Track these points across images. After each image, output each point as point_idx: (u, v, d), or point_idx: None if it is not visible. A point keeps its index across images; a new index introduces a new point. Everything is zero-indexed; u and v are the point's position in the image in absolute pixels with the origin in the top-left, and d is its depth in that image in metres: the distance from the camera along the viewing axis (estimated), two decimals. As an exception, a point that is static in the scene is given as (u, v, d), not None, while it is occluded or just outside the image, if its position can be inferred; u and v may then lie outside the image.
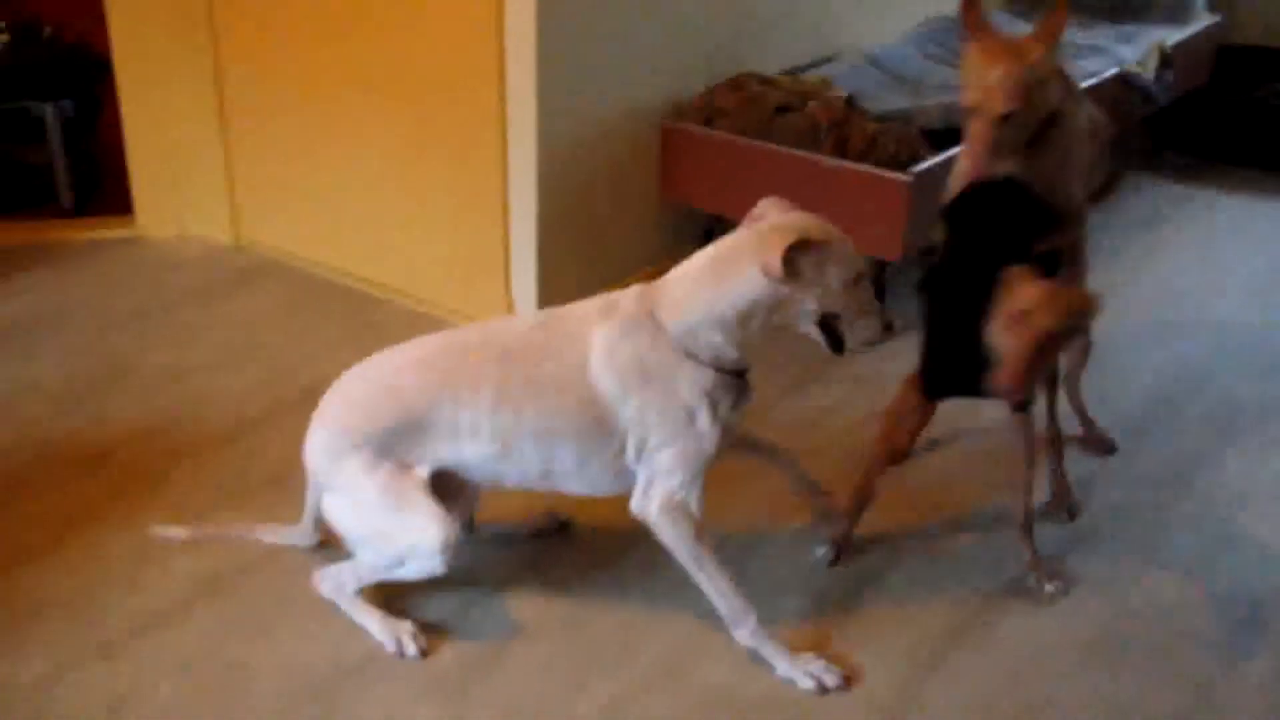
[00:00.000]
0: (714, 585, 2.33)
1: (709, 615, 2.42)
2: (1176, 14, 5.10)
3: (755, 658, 2.35)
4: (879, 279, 3.48)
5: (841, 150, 3.39)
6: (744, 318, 2.21)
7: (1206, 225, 4.59)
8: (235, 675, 2.29)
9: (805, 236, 2.15)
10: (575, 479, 2.37)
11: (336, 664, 2.33)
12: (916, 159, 3.36)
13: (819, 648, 2.39)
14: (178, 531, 2.65)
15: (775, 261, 2.12)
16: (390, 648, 2.37)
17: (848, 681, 2.31)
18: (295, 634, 2.40)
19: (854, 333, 2.27)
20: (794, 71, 4.01)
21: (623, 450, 2.30)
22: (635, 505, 2.33)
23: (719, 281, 2.21)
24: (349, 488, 2.35)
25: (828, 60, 4.19)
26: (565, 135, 3.31)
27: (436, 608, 2.47)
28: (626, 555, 2.65)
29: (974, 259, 2.43)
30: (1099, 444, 3.08)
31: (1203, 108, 5.20)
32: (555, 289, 3.40)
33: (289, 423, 3.07)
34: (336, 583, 2.44)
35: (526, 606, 2.50)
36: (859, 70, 4.12)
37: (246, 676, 2.29)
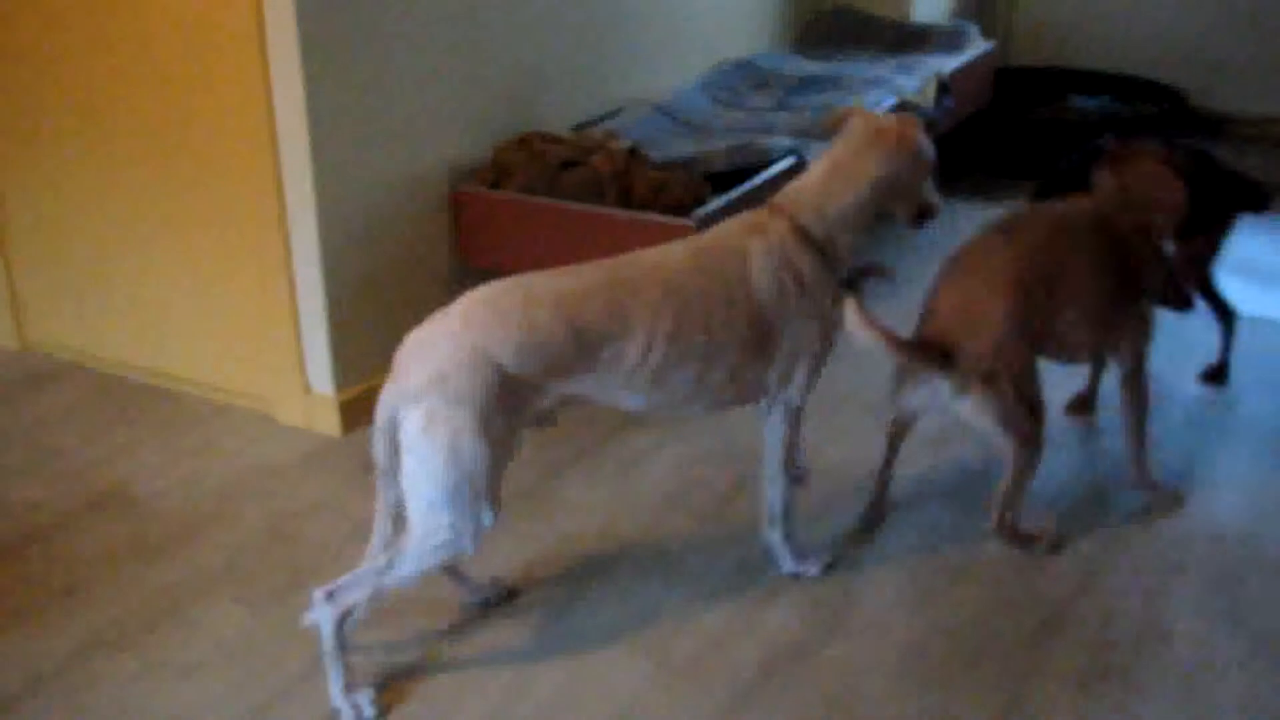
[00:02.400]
0: (784, 487, 2.66)
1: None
2: (953, 43, 5.30)
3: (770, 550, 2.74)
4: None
5: (627, 200, 3.41)
6: (869, 206, 2.50)
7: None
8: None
9: (909, 126, 2.51)
10: (709, 397, 2.47)
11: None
12: (701, 203, 3.40)
13: (644, 684, 2.38)
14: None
15: (911, 133, 2.50)
16: (343, 713, 2.32)
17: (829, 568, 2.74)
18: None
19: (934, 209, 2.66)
20: (583, 125, 4.04)
21: (770, 361, 2.47)
22: (765, 407, 2.57)
23: (848, 175, 2.48)
24: (466, 414, 2.16)
25: (616, 112, 4.23)
26: (348, 208, 3.27)
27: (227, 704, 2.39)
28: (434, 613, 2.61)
29: None
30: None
31: (986, 128, 5.39)
32: (352, 366, 3.35)
33: (82, 528, 2.97)
34: (347, 600, 2.27)
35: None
36: (647, 119, 4.17)
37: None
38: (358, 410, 3.33)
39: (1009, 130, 5.40)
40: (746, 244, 2.44)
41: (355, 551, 2.51)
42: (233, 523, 2.98)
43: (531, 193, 3.47)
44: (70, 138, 3.55)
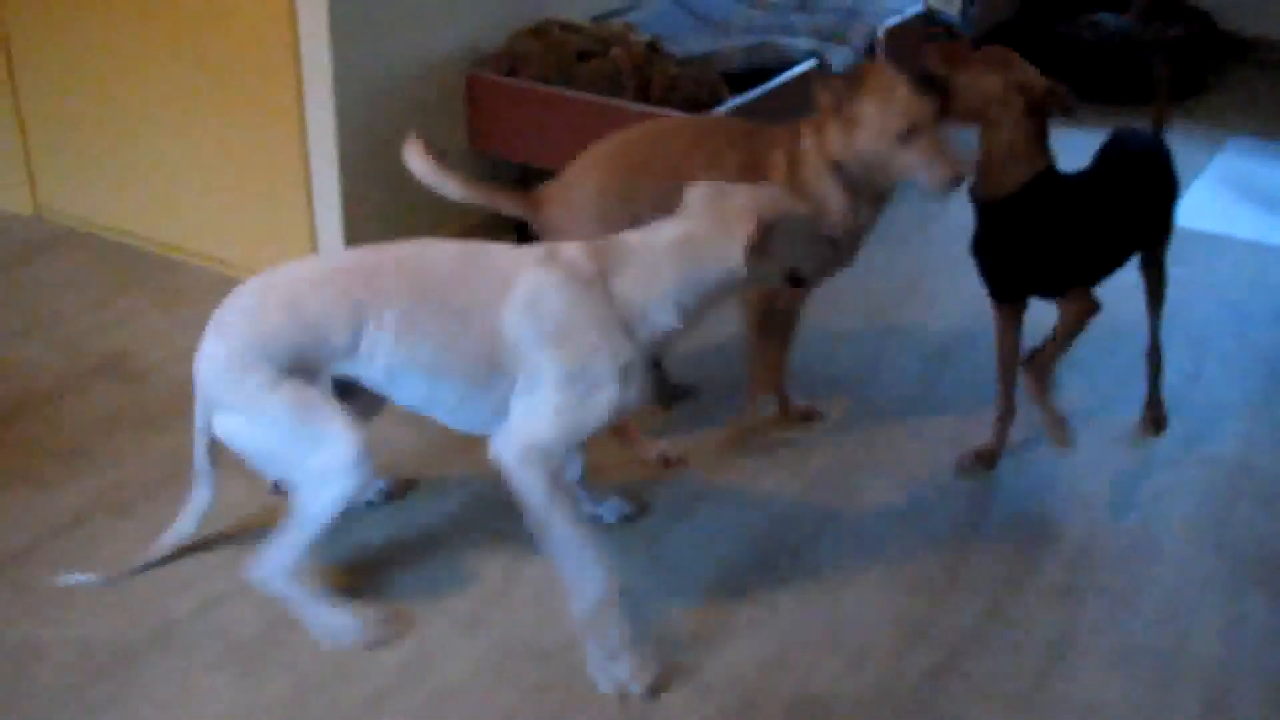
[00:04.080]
0: (564, 546, 2.17)
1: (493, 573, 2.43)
2: (982, -50, 5.21)
3: (581, 635, 2.23)
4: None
5: (644, 94, 3.39)
6: (709, 299, 2.21)
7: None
8: (23, 657, 2.22)
9: (767, 217, 2.15)
10: (453, 415, 2.30)
11: (130, 639, 2.27)
12: (718, 101, 3.37)
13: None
14: (88, 577, 2.40)
15: (740, 246, 2.13)
16: (356, 636, 2.29)
17: (654, 692, 2.19)
18: (87, 612, 2.33)
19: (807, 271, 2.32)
20: (601, 17, 3.99)
21: (500, 402, 2.22)
22: (495, 444, 2.19)
23: (692, 261, 2.17)
24: (252, 406, 2.21)
25: (636, 5, 4.18)
26: (364, 89, 3.25)
27: (234, 571, 2.43)
28: (442, 517, 2.65)
29: None
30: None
31: (1010, 42, 5.31)
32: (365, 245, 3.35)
33: (85, 393, 3.01)
34: (275, 565, 2.26)
35: (325, 570, 2.48)
36: (666, 14, 4.13)
37: (34, 658, 2.22)
38: (364, 292, 3.34)
39: (1031, 45, 5.32)
40: (520, 267, 2.20)
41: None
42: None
43: (547, 82, 3.44)
44: (88, 8, 3.51)
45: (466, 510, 2.65)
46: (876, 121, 2.50)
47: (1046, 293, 2.63)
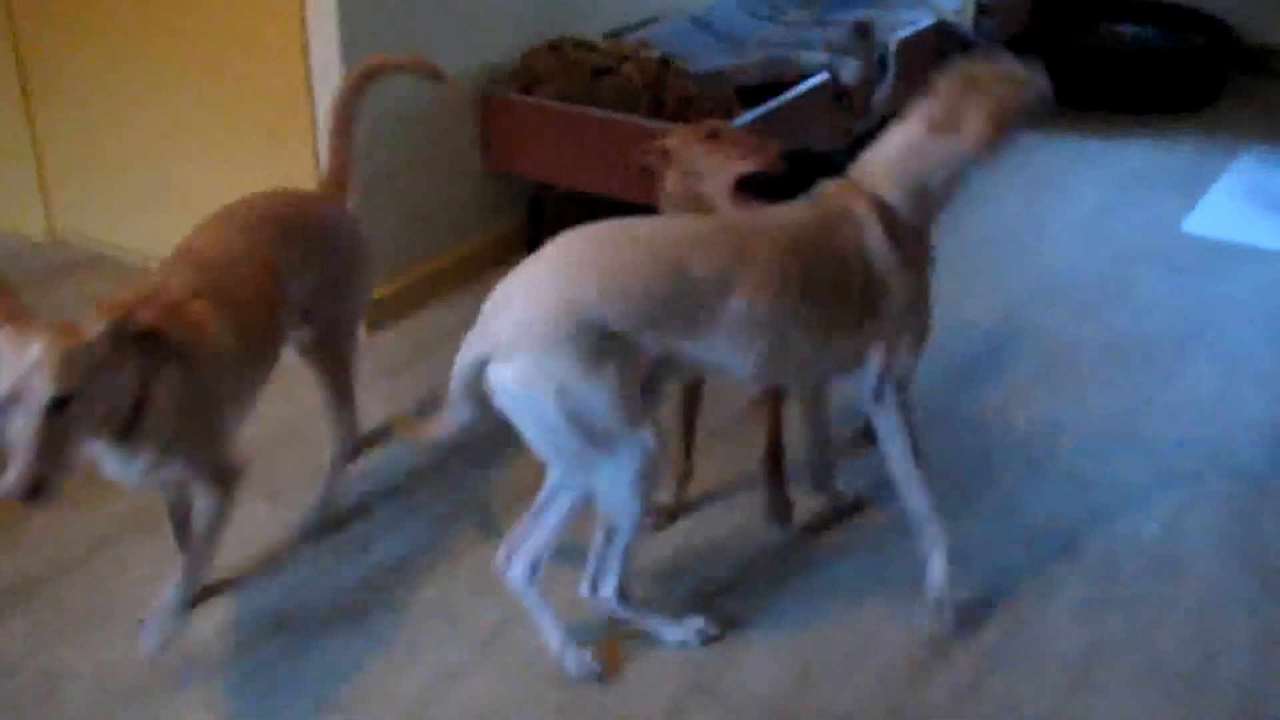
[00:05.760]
0: (923, 482, 2.36)
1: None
2: (994, -39, 5.20)
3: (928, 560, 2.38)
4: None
5: (658, 111, 3.39)
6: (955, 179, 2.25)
7: (1031, 168, 4.69)
8: (50, 682, 2.23)
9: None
10: (815, 367, 2.24)
11: (156, 662, 2.26)
12: (731, 116, 3.37)
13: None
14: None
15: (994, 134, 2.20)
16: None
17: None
18: (113, 636, 2.33)
19: None
20: (616, 33, 4.00)
21: (874, 335, 2.21)
22: (870, 394, 2.26)
23: (937, 145, 2.20)
24: (571, 373, 1.93)
25: (650, 21, 4.18)
26: (374, 107, 3.24)
27: (256, 595, 2.43)
28: (458, 532, 2.64)
29: None
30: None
31: (1027, 52, 5.30)
32: (377, 268, 3.34)
33: (103, 419, 3.00)
34: (613, 583, 2.25)
35: (345, 589, 2.47)
36: (681, 30, 4.13)
37: (62, 683, 2.23)
38: (382, 312, 3.35)
39: (1047, 58, 5.31)
40: (851, 206, 2.18)
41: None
42: (251, 419, 2.99)
43: (565, 100, 3.44)
44: (103, 31, 3.53)
45: (484, 525, 2.64)
46: None
47: None
